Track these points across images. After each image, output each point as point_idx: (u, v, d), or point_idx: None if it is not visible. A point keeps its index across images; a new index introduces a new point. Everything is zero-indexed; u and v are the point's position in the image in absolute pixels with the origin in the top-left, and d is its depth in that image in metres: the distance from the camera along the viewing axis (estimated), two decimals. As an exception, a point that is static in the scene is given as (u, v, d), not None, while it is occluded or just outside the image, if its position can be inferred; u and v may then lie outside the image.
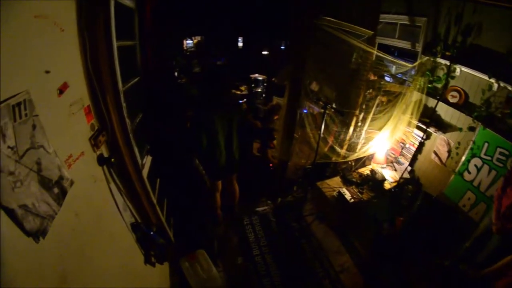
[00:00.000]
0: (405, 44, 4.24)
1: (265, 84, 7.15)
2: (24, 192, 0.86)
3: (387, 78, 4.04)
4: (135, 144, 1.97)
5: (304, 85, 3.61)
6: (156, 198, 2.46)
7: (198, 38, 8.19)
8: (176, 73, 4.89)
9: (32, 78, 0.93)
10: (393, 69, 4.07)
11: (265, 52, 8.49)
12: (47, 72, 1.01)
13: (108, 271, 1.47)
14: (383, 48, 4.17)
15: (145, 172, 2.26)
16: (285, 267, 3.12)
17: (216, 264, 2.95)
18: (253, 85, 7.05)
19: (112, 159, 1.55)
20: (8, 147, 0.80)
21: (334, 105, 3.42)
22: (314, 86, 5.04)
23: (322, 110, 4.23)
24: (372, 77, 3.69)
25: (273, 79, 6.90)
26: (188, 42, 7.96)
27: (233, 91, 6.74)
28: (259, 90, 7.11)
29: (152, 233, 2.01)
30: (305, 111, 4.27)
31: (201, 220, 3.36)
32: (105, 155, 1.54)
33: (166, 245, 2.21)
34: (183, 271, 2.65)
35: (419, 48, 3.94)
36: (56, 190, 1.03)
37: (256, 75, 7.20)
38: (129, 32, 2.33)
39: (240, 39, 8.83)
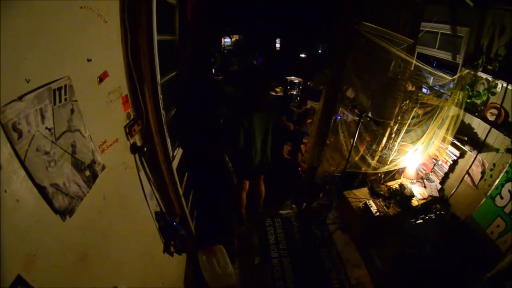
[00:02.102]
0: (445, 55, 4.01)
1: (300, 87, 7.08)
2: (57, 172, 0.89)
3: (424, 90, 3.82)
4: (168, 136, 2.01)
5: (341, 91, 3.51)
6: (183, 190, 2.50)
7: (236, 37, 8.27)
8: (213, 70, 4.96)
9: (74, 65, 0.96)
10: (431, 81, 3.85)
11: (303, 55, 8.41)
12: (89, 60, 1.05)
13: (127, 255, 1.50)
14: (422, 58, 3.98)
15: (175, 163, 2.30)
16: (301, 273, 3.06)
17: (233, 261, 2.95)
18: (288, 87, 7.01)
19: (145, 149, 1.58)
20: (46, 128, 0.83)
21: (369, 114, 3.29)
22: (350, 93, 4.89)
23: (356, 118, 4.10)
24: (410, 88, 3.50)
25: (309, 82, 6.83)
26: (226, 40, 8.06)
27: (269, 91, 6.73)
28: (294, 92, 7.06)
29: (175, 223, 2.03)
30: (339, 117, 4.16)
31: (224, 216, 3.37)
32: (138, 144, 1.58)
33: (187, 237, 2.22)
34: (199, 264, 2.66)
35: (459, 59, 3.70)
36: (87, 173, 1.06)
37: (292, 77, 7.15)
38: (169, 27, 2.37)
39: (277, 40, 8.80)
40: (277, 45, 8.78)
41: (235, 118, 2.75)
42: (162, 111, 1.87)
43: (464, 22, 3.56)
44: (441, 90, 3.71)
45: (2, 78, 0.66)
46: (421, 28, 3.75)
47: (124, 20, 1.29)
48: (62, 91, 0.89)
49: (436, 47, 4.07)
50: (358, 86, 3.88)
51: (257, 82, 2.80)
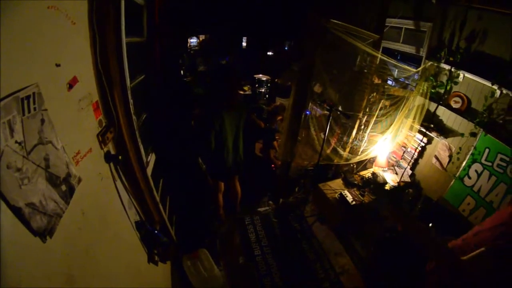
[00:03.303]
0: (409, 49, 4.19)
1: (268, 85, 7.10)
2: (32, 189, 0.80)
3: (389, 82, 4.00)
4: (140, 141, 1.92)
5: (310, 86, 3.57)
6: (159, 196, 2.42)
7: (202, 37, 8.12)
8: (182, 72, 4.82)
9: (42, 70, 0.88)
10: (396, 73, 4.04)
11: (270, 53, 8.45)
12: (58, 65, 0.96)
13: (113, 270, 1.42)
14: (387, 52, 4.14)
15: (149, 170, 2.21)
16: (286, 268, 3.08)
17: (218, 263, 2.90)
18: (256, 85, 7.01)
19: (120, 157, 1.49)
20: (16, 142, 0.74)
21: (339, 108, 3.38)
22: (317, 88, 4.99)
23: (326, 112, 4.19)
24: (376, 81, 3.64)
25: (276, 79, 6.87)
26: (192, 41, 7.89)
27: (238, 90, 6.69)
28: (263, 90, 7.07)
29: (156, 231, 1.95)
30: (308, 112, 4.22)
31: (203, 219, 3.30)
32: (112, 152, 1.49)
33: (169, 244, 2.15)
34: (184, 269, 2.59)
35: (423, 53, 3.89)
36: (64, 187, 0.97)
37: (260, 75, 7.16)
38: (137, 28, 2.28)
39: (244, 38, 8.80)
40: (244, 44, 8.76)
41: (205, 120, 2.69)
42: (133, 116, 1.78)
43: (427, 17, 3.74)
44: (406, 82, 3.89)
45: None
46: (386, 24, 3.88)
47: (92, 21, 1.20)
48: (31, 100, 0.81)
49: (401, 41, 4.25)
50: (326, 81, 3.97)
51: (225, 82, 2.75)
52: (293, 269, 3.09)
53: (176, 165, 2.96)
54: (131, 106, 1.72)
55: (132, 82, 1.95)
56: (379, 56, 3.28)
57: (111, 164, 1.47)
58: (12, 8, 0.73)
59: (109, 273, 1.35)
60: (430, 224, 3.18)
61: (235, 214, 3.60)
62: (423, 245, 1.99)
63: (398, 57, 4.29)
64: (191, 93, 3.91)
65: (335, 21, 2.96)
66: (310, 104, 4.58)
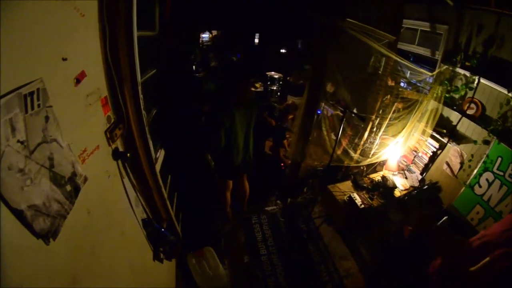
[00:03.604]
0: (424, 51, 4.10)
1: (280, 83, 7.02)
2: (35, 191, 0.76)
3: (402, 84, 3.90)
4: (150, 138, 1.88)
5: (323, 86, 3.50)
6: (167, 193, 2.39)
7: (214, 32, 8.06)
8: (194, 67, 4.77)
9: (47, 65, 0.82)
10: (408, 75, 3.95)
11: (283, 51, 8.34)
12: (64, 59, 0.90)
13: (118, 268, 1.40)
14: (401, 53, 4.04)
15: (158, 166, 2.17)
16: (291, 268, 3.04)
17: (223, 261, 2.87)
18: (268, 83, 6.94)
19: (128, 154, 1.45)
20: (18, 141, 0.70)
21: (352, 109, 3.30)
22: (329, 88, 4.89)
23: (337, 112, 4.10)
24: (390, 83, 3.54)
25: (288, 78, 6.79)
26: (204, 36, 7.85)
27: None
28: (274, 88, 7.00)
29: (163, 229, 1.92)
30: (319, 112, 4.15)
31: (209, 217, 3.27)
32: (121, 149, 1.45)
33: (176, 242, 2.11)
34: (189, 268, 2.57)
35: (438, 56, 3.80)
36: (68, 187, 0.93)
37: (272, 72, 7.07)
38: (149, 21, 2.23)
39: (257, 35, 8.70)
40: (256, 40, 8.67)
41: (215, 117, 2.63)
42: (143, 112, 1.74)
43: (443, 20, 3.65)
44: (418, 84, 3.79)
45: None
46: (401, 25, 3.79)
47: (102, 13, 1.14)
48: (35, 96, 0.76)
49: (416, 43, 4.16)
50: (338, 81, 3.88)
51: (237, 78, 2.69)
52: (297, 270, 3.05)
53: (185, 162, 2.93)
54: (141, 102, 1.67)
55: (142, 77, 1.91)
56: (395, 58, 3.16)
57: (119, 162, 1.42)
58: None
59: (114, 271, 1.33)
60: (445, 217, 3.08)
61: (242, 213, 3.56)
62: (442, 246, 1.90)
63: (411, 59, 4.20)
64: (202, 88, 3.86)
65: (351, 20, 2.86)
66: (321, 103, 4.51)
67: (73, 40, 0.97)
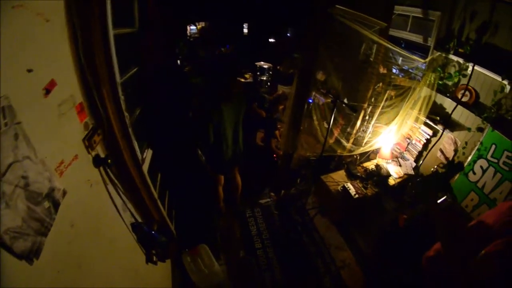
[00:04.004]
0: (416, 38, 4.08)
1: (270, 72, 6.99)
2: (11, 213, 0.75)
3: (394, 71, 3.89)
4: (135, 138, 1.86)
5: (313, 75, 3.46)
6: (158, 192, 2.37)
7: (202, 24, 7.94)
8: (179, 61, 4.69)
9: (11, 80, 0.79)
10: (400, 61, 3.94)
11: (271, 40, 8.29)
12: (30, 70, 0.88)
13: (110, 277, 1.40)
14: (393, 40, 4.02)
15: (145, 167, 2.15)
16: (287, 261, 3.08)
17: (218, 257, 2.90)
18: (258, 73, 6.91)
19: (109, 160, 1.42)
20: None
21: (342, 98, 3.28)
22: (321, 76, 4.84)
23: (328, 101, 4.07)
24: (382, 70, 3.54)
25: (278, 67, 6.75)
26: (192, 28, 7.79)
27: (239, 78, 6.60)
28: (264, 78, 6.97)
29: (153, 232, 1.91)
30: (310, 101, 4.12)
31: (203, 212, 3.28)
32: (102, 155, 1.42)
33: (168, 243, 2.12)
34: (185, 266, 2.59)
35: (431, 42, 3.78)
36: (47, 204, 0.92)
37: (262, 63, 7.03)
38: (127, 17, 2.16)
39: (245, 25, 8.61)
40: (245, 30, 8.59)
41: (203, 112, 2.61)
42: (125, 113, 1.71)
43: (435, 6, 3.63)
44: (410, 70, 3.79)
45: None
46: (393, 11, 3.76)
47: (71, 14, 1.10)
48: (0, 115, 0.74)
49: (408, 30, 4.14)
50: (329, 69, 3.85)
51: (224, 72, 2.65)
52: (294, 262, 3.08)
53: (174, 158, 2.91)
54: (122, 103, 1.65)
55: (123, 77, 1.87)
56: (387, 45, 3.15)
57: (101, 168, 1.40)
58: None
59: (106, 280, 1.33)
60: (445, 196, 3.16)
61: (236, 207, 3.58)
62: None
63: (403, 45, 4.18)
64: (189, 82, 3.81)
65: (340, 7, 2.82)
66: (313, 92, 4.47)
67: (38, 48, 0.94)
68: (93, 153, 1.32)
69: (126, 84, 1.92)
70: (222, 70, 2.65)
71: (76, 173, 1.15)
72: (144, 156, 2.21)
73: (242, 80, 6.70)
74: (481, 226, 1.63)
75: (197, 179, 3.24)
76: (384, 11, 3.42)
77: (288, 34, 8.06)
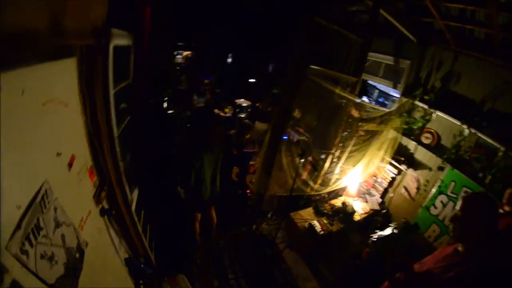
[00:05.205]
0: (387, 83, 4.59)
1: (249, 110, 7.31)
2: (58, 267, 1.12)
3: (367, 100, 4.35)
4: (126, 183, 2.21)
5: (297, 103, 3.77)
6: (141, 226, 2.72)
7: (188, 53, 8.44)
8: (166, 104, 5.10)
9: (47, 165, 1.10)
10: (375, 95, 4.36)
11: (252, 80, 8.81)
12: (59, 154, 1.17)
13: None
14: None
15: (133, 206, 2.52)
16: (258, 291, 3.41)
17: (194, 286, 3.21)
18: (237, 110, 7.23)
19: (113, 211, 1.81)
20: (43, 236, 1.02)
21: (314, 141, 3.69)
22: (297, 113, 5.34)
23: (303, 137, 4.51)
24: (355, 113, 3.97)
25: (257, 104, 7.17)
26: (179, 56, 8.25)
27: (217, 111, 7.00)
28: (243, 116, 7.19)
29: (142, 265, 2.28)
30: (285, 137, 4.51)
31: (181, 245, 3.62)
32: (106, 206, 1.81)
33: (153, 275, 2.47)
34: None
35: (400, 89, 4.27)
36: (77, 255, 1.30)
37: (242, 100, 7.38)
38: (123, 71, 2.47)
39: (230, 55, 9.15)
40: (229, 60, 9.16)
41: (186, 160, 3.04)
42: (120, 163, 2.05)
43: (406, 56, 4.16)
44: (386, 102, 4.19)
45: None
46: (368, 58, 4.22)
47: (83, 93, 1.44)
48: (45, 197, 1.04)
49: (380, 75, 4.66)
50: (304, 109, 4.31)
51: (204, 125, 3.13)
52: (264, 292, 3.44)
53: (158, 196, 3.28)
54: (118, 154, 2.00)
55: (119, 130, 2.22)
56: (352, 98, 3.68)
57: (105, 217, 1.79)
58: (11, 122, 0.85)
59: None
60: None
61: (211, 240, 3.92)
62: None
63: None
64: (173, 123, 4.21)
65: (314, 67, 3.31)
66: (288, 129, 4.89)
67: (63, 131, 1.24)
68: (100, 206, 1.71)
69: (121, 135, 2.29)
70: (202, 125, 3.11)
71: (91, 225, 1.53)
72: (132, 197, 2.59)
73: (222, 114, 7.06)
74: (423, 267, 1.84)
75: (175, 213, 3.60)
76: (356, 66, 3.91)
77: (270, 70, 8.64)
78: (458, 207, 1.61)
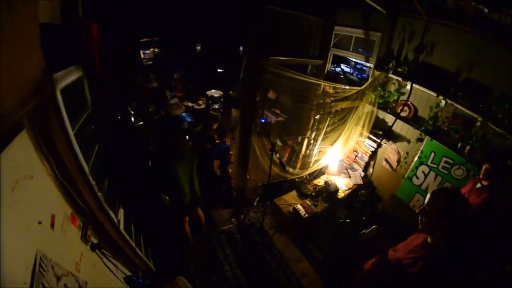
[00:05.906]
0: (359, 57, 4.64)
1: (222, 100, 7.35)
2: None
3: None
4: (109, 209, 2.38)
5: (263, 94, 3.93)
6: (134, 239, 2.94)
7: (155, 50, 8.33)
8: (133, 118, 5.15)
9: (34, 236, 1.22)
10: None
11: (220, 70, 8.84)
12: (40, 222, 1.28)
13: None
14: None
15: (121, 226, 2.72)
16: (253, 279, 3.73)
17: (194, 284, 3.50)
18: (210, 102, 7.26)
19: (101, 244, 2.01)
20: None
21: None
22: (271, 95, 5.50)
23: (280, 118, 4.62)
24: (329, 89, 4.05)
25: (231, 92, 7.27)
26: (146, 52, 8.16)
27: (191, 104, 7.06)
28: (217, 106, 7.29)
29: (140, 280, 2.52)
30: (263, 120, 4.65)
31: (174, 246, 3.88)
32: (95, 241, 1.99)
33: (152, 285, 2.72)
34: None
35: (372, 62, 4.31)
36: (81, 295, 1.51)
37: (213, 91, 7.38)
38: (81, 102, 2.50)
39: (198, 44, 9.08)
40: (198, 48, 9.10)
41: (160, 171, 3.18)
42: (99, 194, 2.19)
43: (377, 28, 4.13)
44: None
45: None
46: (337, 32, 4.36)
47: (47, 158, 1.50)
48: (42, 263, 1.19)
49: (351, 49, 4.66)
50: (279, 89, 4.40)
51: (172, 133, 3.25)
52: (259, 279, 3.76)
53: (142, 207, 3.46)
54: (94, 187, 2.11)
55: (89, 164, 2.29)
56: (319, 82, 3.76)
57: (97, 250, 1.98)
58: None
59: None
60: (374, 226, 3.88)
61: (202, 237, 4.17)
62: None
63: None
64: (142, 134, 4.30)
65: (274, 58, 3.36)
66: (265, 111, 5.05)
67: (36, 200, 1.32)
68: (89, 244, 1.90)
69: (93, 166, 2.39)
70: (170, 133, 3.21)
71: (85, 264, 1.72)
72: (118, 218, 2.77)
73: (196, 106, 7.16)
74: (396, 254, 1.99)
75: (164, 217, 3.81)
76: (320, 50, 4.00)
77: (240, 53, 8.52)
78: (426, 201, 1.73)
